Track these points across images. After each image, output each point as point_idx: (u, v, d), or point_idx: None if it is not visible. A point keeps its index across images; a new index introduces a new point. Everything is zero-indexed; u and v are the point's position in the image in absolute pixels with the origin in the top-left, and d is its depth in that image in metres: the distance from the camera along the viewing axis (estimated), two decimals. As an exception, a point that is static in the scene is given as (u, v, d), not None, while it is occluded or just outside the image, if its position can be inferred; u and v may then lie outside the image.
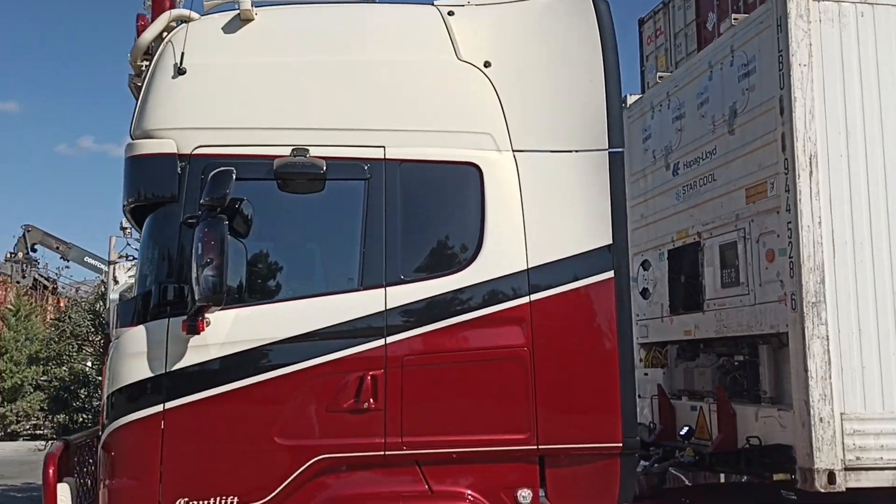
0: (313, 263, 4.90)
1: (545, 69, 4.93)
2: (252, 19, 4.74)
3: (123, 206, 4.77)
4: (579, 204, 4.81)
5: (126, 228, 10.51)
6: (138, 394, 4.38)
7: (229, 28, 4.76)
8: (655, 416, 6.89)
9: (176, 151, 4.54)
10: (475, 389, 4.60)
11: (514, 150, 4.80)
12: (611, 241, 4.78)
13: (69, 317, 20.19)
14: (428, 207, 4.76)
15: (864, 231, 5.37)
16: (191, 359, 4.39)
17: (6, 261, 40.15)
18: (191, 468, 4.37)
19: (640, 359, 7.35)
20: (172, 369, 4.37)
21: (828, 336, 5.22)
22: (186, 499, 4.31)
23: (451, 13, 4.92)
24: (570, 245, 4.76)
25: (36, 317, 24.43)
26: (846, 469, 5.12)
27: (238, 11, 4.73)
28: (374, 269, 4.59)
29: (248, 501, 4.35)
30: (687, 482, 6.73)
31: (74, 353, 18.37)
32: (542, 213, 4.77)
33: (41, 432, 20.09)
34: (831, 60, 5.43)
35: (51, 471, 4.53)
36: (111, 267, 11.11)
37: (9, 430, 20.86)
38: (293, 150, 4.58)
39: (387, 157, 4.69)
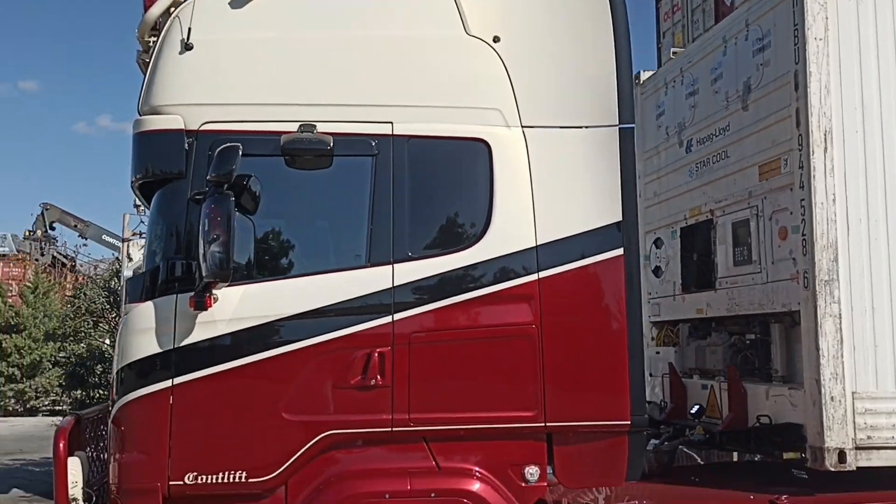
0: (321, 240, 4.89)
1: (555, 44, 4.87)
2: None
3: (132, 182, 4.77)
4: (589, 180, 4.76)
5: (139, 206, 10.55)
6: (147, 369, 4.41)
7: (236, 3, 4.72)
8: (666, 394, 6.86)
9: (183, 127, 4.53)
10: (483, 367, 4.59)
11: (523, 126, 4.76)
12: (620, 218, 4.75)
13: (84, 293, 20.39)
14: (436, 184, 4.73)
15: (879, 208, 5.29)
16: (199, 335, 4.40)
17: (25, 238, 40.61)
18: (199, 443, 4.40)
19: (652, 337, 7.32)
20: (181, 345, 4.39)
21: (840, 314, 5.16)
22: (195, 473, 4.34)
23: None
24: (579, 222, 4.72)
25: (54, 294, 24.66)
26: (857, 448, 5.08)
27: None
28: (382, 245, 4.57)
29: (256, 476, 4.38)
30: (700, 461, 6.71)
31: (90, 330, 18.58)
32: (551, 190, 4.73)
33: (60, 408, 20.37)
34: (848, 34, 5.32)
35: (61, 445, 4.57)
36: (125, 244, 11.17)
37: (28, 406, 21.16)
38: (300, 125, 4.56)
39: (395, 132, 4.65)
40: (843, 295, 5.18)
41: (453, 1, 4.82)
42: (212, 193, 4.24)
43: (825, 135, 5.26)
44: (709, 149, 6.45)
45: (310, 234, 4.85)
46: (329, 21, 4.82)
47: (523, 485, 4.61)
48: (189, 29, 4.59)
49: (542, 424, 4.61)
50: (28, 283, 24.75)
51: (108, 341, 18.44)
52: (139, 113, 4.67)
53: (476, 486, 4.52)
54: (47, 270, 33.55)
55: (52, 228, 39.44)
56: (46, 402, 21.20)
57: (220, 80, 4.65)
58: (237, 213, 4.29)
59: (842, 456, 5.06)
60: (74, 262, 40.93)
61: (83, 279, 26.88)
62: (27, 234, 40.57)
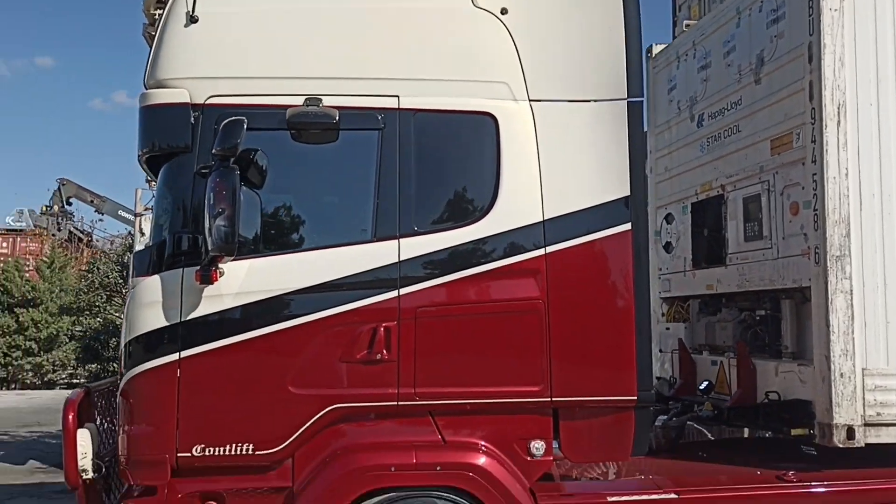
0: (326, 214, 4.87)
1: (563, 16, 4.81)
2: None
3: (138, 156, 4.77)
4: (597, 155, 4.73)
5: (151, 181, 10.56)
6: (154, 342, 4.43)
7: None
8: (676, 370, 6.84)
9: (189, 101, 4.52)
10: (489, 341, 4.59)
11: (530, 100, 4.71)
12: (628, 193, 4.72)
13: (97, 268, 20.57)
14: (442, 158, 4.70)
15: (892, 183, 5.20)
16: (205, 308, 4.42)
17: (42, 214, 40.92)
18: (207, 415, 4.43)
19: (663, 313, 7.29)
20: (187, 318, 4.41)
21: (851, 290, 5.11)
22: (202, 445, 4.38)
23: None
24: (586, 197, 4.69)
25: (71, 269, 24.86)
26: (866, 425, 5.05)
27: None
28: (388, 220, 4.56)
29: (263, 449, 4.42)
30: (710, 436, 6.71)
31: (104, 304, 18.76)
32: (558, 164, 4.69)
33: (77, 381, 20.61)
34: (863, 5, 5.21)
35: (70, 417, 4.62)
36: (137, 219, 11.22)
37: (45, 379, 21.44)
38: (306, 99, 4.54)
39: (401, 106, 4.62)
40: (855, 271, 5.13)
41: None
42: (217, 167, 4.23)
43: (839, 108, 5.17)
44: (720, 123, 6.37)
45: (316, 209, 4.83)
46: None
47: (529, 459, 4.63)
48: (194, 2, 4.55)
49: (548, 399, 4.61)
50: (45, 258, 24.96)
51: (121, 315, 18.58)
52: (145, 87, 4.66)
53: (481, 460, 4.54)
54: (64, 245, 33.82)
55: (69, 204, 39.66)
56: (63, 376, 21.45)
57: (226, 54, 4.63)
58: (243, 186, 4.28)
59: (850, 432, 5.03)
60: (91, 237, 41.22)
61: (97, 254, 27.07)
62: (44, 209, 40.86)
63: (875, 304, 5.16)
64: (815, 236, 5.22)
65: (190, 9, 4.56)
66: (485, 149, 4.68)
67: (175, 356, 4.40)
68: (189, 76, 4.55)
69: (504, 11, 4.73)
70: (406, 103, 4.63)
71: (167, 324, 4.41)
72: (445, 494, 4.46)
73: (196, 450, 4.37)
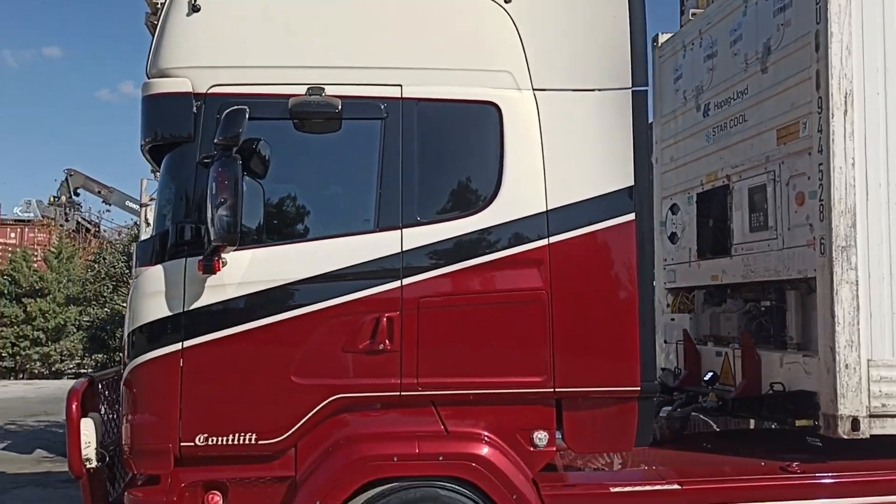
0: (329, 204, 4.86)
1: (567, 5, 4.78)
2: None
3: (141, 145, 4.77)
4: (601, 144, 4.70)
5: (156, 171, 10.56)
6: (157, 332, 4.43)
7: None
8: (681, 361, 6.82)
9: (191, 90, 4.50)
10: (492, 332, 4.58)
11: (534, 89, 4.69)
12: (632, 183, 4.69)
13: (103, 258, 20.62)
14: (445, 147, 4.68)
15: (899, 173, 5.16)
16: (208, 298, 4.42)
17: (50, 204, 40.99)
18: (210, 405, 4.44)
19: (668, 304, 7.27)
20: (190, 308, 4.41)
21: (857, 281, 5.08)
22: (206, 434, 4.39)
23: None
24: (590, 186, 4.67)
25: (79, 259, 24.94)
26: (871, 416, 5.03)
27: None
28: (391, 210, 4.54)
29: (265, 438, 4.42)
30: (716, 428, 6.69)
31: (110, 294, 18.83)
32: (562, 154, 4.67)
33: (84, 371, 20.69)
34: (871, -7, 5.16)
35: (73, 406, 4.63)
36: (143, 209, 11.21)
37: (53, 369, 21.53)
38: (308, 88, 4.52)
39: (404, 95, 4.60)
40: (861, 261, 5.10)
41: None
42: (219, 157, 4.22)
43: (846, 97, 5.13)
44: (726, 113, 6.33)
45: (318, 199, 4.82)
46: None
47: (532, 449, 4.62)
48: None
49: (552, 390, 4.60)
50: (52, 249, 25.05)
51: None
52: (147, 76, 4.64)
53: (484, 451, 4.53)
54: (72, 236, 33.92)
55: (77, 194, 39.69)
56: (71, 366, 21.53)
57: (228, 43, 4.61)
58: (245, 176, 4.27)
59: (855, 424, 5.01)
60: (98, 227, 41.33)
61: (103, 244, 27.15)
62: (52, 199, 40.92)
63: (881, 295, 5.13)
64: (821, 227, 5.19)
65: (192, -2, 4.54)
66: (488, 139, 4.65)
67: (178, 346, 4.40)
68: (191, 65, 4.54)
69: (508, 0, 4.70)
70: (409, 92, 4.60)
71: (170, 313, 4.41)
72: (448, 485, 4.46)
73: (199, 439, 4.38)
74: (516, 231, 4.61)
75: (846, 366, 5.04)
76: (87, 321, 21.26)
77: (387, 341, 4.46)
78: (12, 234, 36.32)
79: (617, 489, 4.73)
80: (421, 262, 4.53)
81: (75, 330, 21.66)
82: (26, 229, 38.36)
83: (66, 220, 39.77)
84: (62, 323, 21.54)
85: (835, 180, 5.11)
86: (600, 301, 4.66)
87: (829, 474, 4.98)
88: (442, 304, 4.54)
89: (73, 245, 26.49)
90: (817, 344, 5.26)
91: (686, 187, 6.96)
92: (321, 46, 4.65)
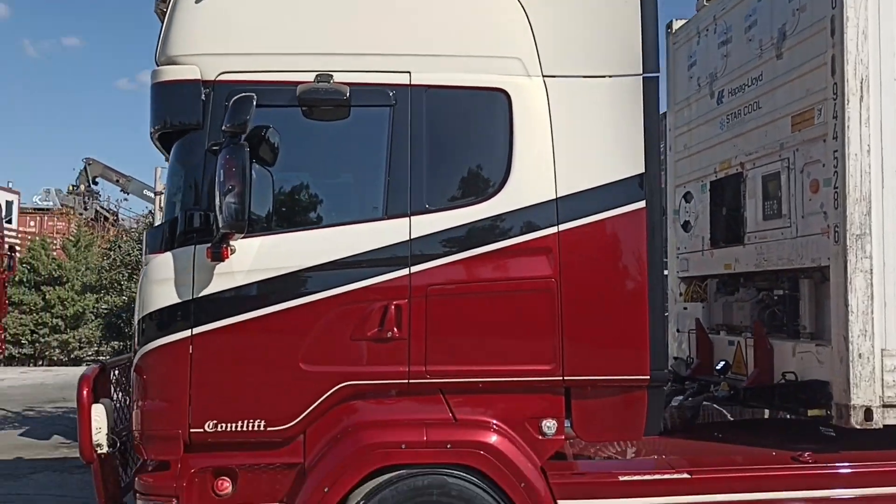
0: (337, 192, 4.87)
1: None
2: None
3: (150, 133, 4.77)
4: (611, 131, 4.66)
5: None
6: (166, 319, 4.45)
7: None
8: (693, 350, 6.77)
9: (200, 78, 4.50)
10: (501, 320, 4.56)
11: (544, 76, 4.66)
12: (643, 171, 4.65)
13: (119, 246, 20.77)
14: (454, 135, 4.66)
15: (915, 160, 5.09)
16: (217, 285, 4.43)
17: (69, 193, 41.33)
18: (219, 392, 4.45)
19: (681, 293, 7.22)
20: (199, 295, 4.42)
21: (871, 270, 5.01)
22: (215, 421, 4.41)
23: None
24: (600, 174, 4.64)
25: (98, 247, 25.14)
26: (884, 406, 4.97)
27: None
28: (399, 197, 4.53)
29: (274, 425, 4.43)
30: (730, 417, 6.66)
31: (126, 282, 18.96)
32: (572, 141, 4.64)
33: (102, 358, 20.88)
34: (888, -23, 5.08)
35: (84, 392, 4.66)
36: (157, 198, 11.28)
37: (72, 356, 21.73)
38: (317, 75, 4.50)
39: (412, 82, 4.58)
40: (876, 250, 5.03)
41: None
42: (227, 144, 4.22)
43: (861, 83, 5.06)
44: (740, 100, 6.26)
45: (326, 186, 4.82)
46: None
47: (540, 438, 4.61)
48: None
49: (560, 378, 4.58)
50: (70, 237, 25.25)
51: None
52: (156, 63, 4.65)
53: (493, 439, 4.53)
54: (90, 224, 34.18)
55: (95, 183, 39.99)
56: (90, 353, 21.73)
57: (237, 30, 4.60)
58: (253, 163, 4.27)
59: (868, 413, 4.96)
60: (117, 216, 41.63)
61: (119, 233, 27.35)
62: (70, 188, 41.26)
63: (895, 284, 5.06)
64: (835, 214, 5.12)
65: (201, -16, 4.54)
66: (497, 126, 4.63)
67: (187, 333, 4.42)
68: (200, 52, 4.54)
69: (517, -14, 4.66)
70: (418, 79, 4.58)
71: (179, 300, 4.43)
72: (456, 472, 4.46)
73: (208, 425, 4.40)
74: (525, 219, 4.59)
75: (859, 355, 4.98)
76: (105, 309, 21.44)
77: (395, 329, 4.45)
78: (32, 223, 36.65)
79: (626, 478, 4.71)
80: (429, 249, 4.52)
81: (93, 317, 21.84)
82: (45, 218, 38.71)
83: (85, 209, 40.10)
84: (80, 311, 21.74)
85: (850, 167, 5.04)
86: (610, 289, 4.64)
87: (841, 464, 4.93)
88: (450, 291, 4.53)
89: (92, 233, 26.69)
90: (830, 333, 5.21)
91: (699, 175, 6.90)
92: (329, 33, 4.63)
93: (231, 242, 4.35)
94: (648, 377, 4.62)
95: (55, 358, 22.00)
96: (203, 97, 4.49)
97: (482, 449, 4.49)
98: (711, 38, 6.71)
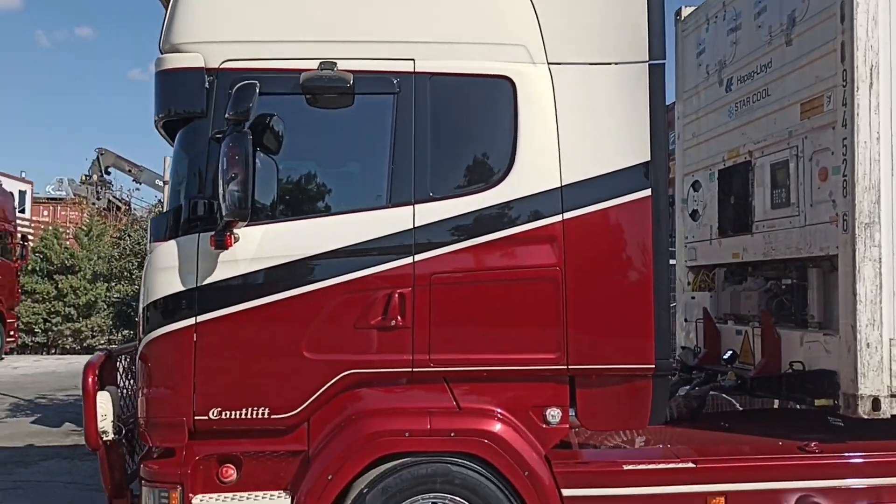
0: (341, 180, 4.86)
1: None
2: None
3: (155, 121, 4.77)
4: (617, 119, 4.63)
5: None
6: (171, 307, 4.46)
7: None
8: (701, 339, 6.74)
9: (204, 66, 4.49)
10: (505, 308, 4.55)
11: (549, 63, 4.62)
12: (649, 159, 4.62)
13: (129, 235, 20.81)
14: (459, 122, 4.63)
15: (926, 148, 5.03)
16: (221, 273, 4.43)
17: (82, 183, 41.54)
18: (223, 380, 4.46)
19: (689, 282, 7.18)
20: (203, 283, 4.42)
21: (880, 259, 4.97)
22: (219, 408, 4.42)
23: None
24: (606, 162, 4.61)
25: (110, 237, 25.25)
26: (892, 396, 4.93)
27: None
28: (403, 185, 4.52)
29: (278, 413, 4.44)
30: (738, 407, 6.63)
31: (136, 271, 19.01)
32: (577, 129, 4.61)
33: (115, 346, 20.98)
34: (899, -39, 5.01)
35: (90, 380, 4.69)
36: (166, 187, 11.30)
37: (84, 345, 21.83)
38: (320, 63, 4.48)
39: (416, 70, 4.56)
40: (885, 238, 4.98)
41: None
42: (230, 132, 4.21)
43: (871, 69, 4.99)
44: (749, 87, 6.20)
45: (330, 174, 4.81)
46: None
47: (544, 426, 4.61)
48: None
49: (565, 367, 4.57)
50: (83, 227, 25.35)
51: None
52: (160, 51, 4.64)
53: (497, 427, 4.53)
54: (103, 214, 34.33)
55: (108, 173, 40.15)
56: (102, 341, 21.81)
57: (241, 17, 4.59)
58: (257, 151, 4.26)
59: (876, 403, 4.92)
60: (129, 205, 41.82)
61: (128, 221, 27.43)
62: (83, 178, 41.46)
63: (905, 273, 5.01)
64: (844, 203, 5.08)
65: (205, -28, 4.53)
66: (502, 113, 4.60)
67: (191, 321, 4.43)
68: (203, 40, 4.53)
69: (522, -28, 4.62)
70: (422, 67, 4.56)
71: (183, 288, 4.43)
72: (460, 460, 4.46)
73: (213, 413, 4.41)
74: (530, 207, 4.57)
75: (867, 345, 4.95)
76: (117, 298, 21.53)
77: (398, 317, 4.45)
78: (45, 213, 36.83)
79: (630, 467, 4.70)
80: (433, 237, 4.50)
81: (105, 306, 21.94)
82: (59, 207, 38.91)
83: (98, 199, 40.29)
84: (93, 299, 21.82)
85: (859, 155, 4.99)
86: (615, 278, 4.61)
87: (848, 454, 4.90)
88: (454, 280, 4.52)
89: (104, 223, 26.80)
90: (838, 322, 5.17)
91: (708, 164, 6.85)
92: (333, 21, 4.61)
93: (235, 230, 4.35)
94: (653, 366, 4.60)
95: (68, 346, 22.11)
96: (207, 85, 4.48)
97: (486, 437, 4.49)
98: (720, 25, 6.65)
